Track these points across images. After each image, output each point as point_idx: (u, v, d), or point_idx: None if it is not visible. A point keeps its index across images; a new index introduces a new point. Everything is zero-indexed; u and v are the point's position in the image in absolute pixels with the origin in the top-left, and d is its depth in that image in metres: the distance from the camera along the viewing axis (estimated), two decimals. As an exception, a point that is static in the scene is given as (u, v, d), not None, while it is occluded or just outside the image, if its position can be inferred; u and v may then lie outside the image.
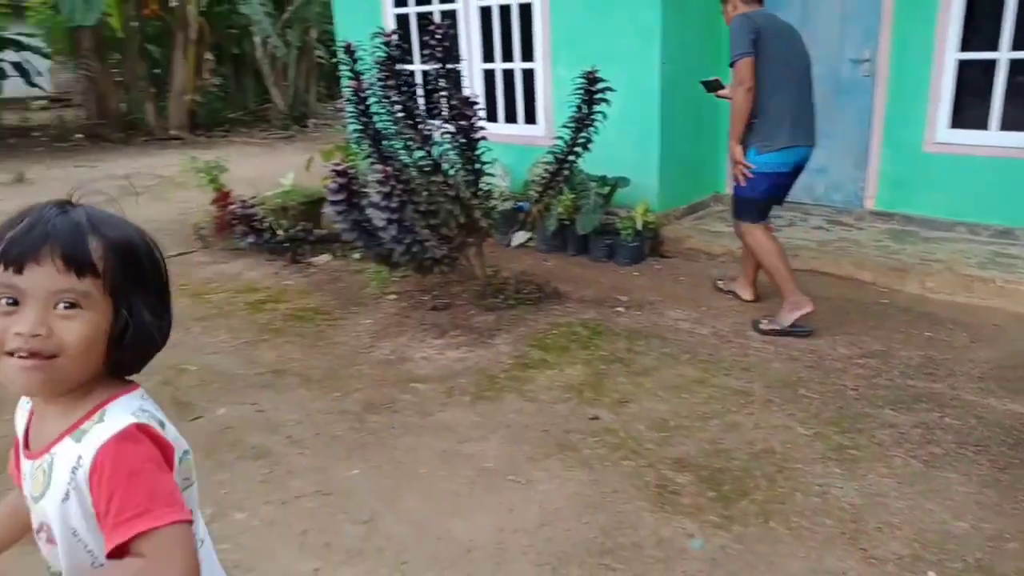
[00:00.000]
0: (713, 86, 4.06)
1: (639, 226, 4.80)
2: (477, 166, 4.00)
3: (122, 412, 0.89)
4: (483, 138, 3.95)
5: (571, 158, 4.11)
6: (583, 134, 4.05)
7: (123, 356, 0.91)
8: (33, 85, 14.48)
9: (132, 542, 0.81)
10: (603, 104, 3.96)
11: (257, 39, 13.98)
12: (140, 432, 0.87)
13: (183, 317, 4.03)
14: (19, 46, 14.11)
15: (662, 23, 4.85)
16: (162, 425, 0.92)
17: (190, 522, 0.85)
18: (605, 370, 3.29)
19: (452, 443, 2.72)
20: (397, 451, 2.68)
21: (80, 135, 12.96)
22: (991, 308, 3.86)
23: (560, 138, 4.09)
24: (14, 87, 14.48)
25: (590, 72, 3.94)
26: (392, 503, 2.38)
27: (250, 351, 3.59)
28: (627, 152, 5.11)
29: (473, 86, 6.00)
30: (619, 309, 4.03)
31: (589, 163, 4.54)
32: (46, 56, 15.95)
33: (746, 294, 4.10)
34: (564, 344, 3.58)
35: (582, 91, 3.97)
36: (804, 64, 3.65)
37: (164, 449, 0.89)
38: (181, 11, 12.97)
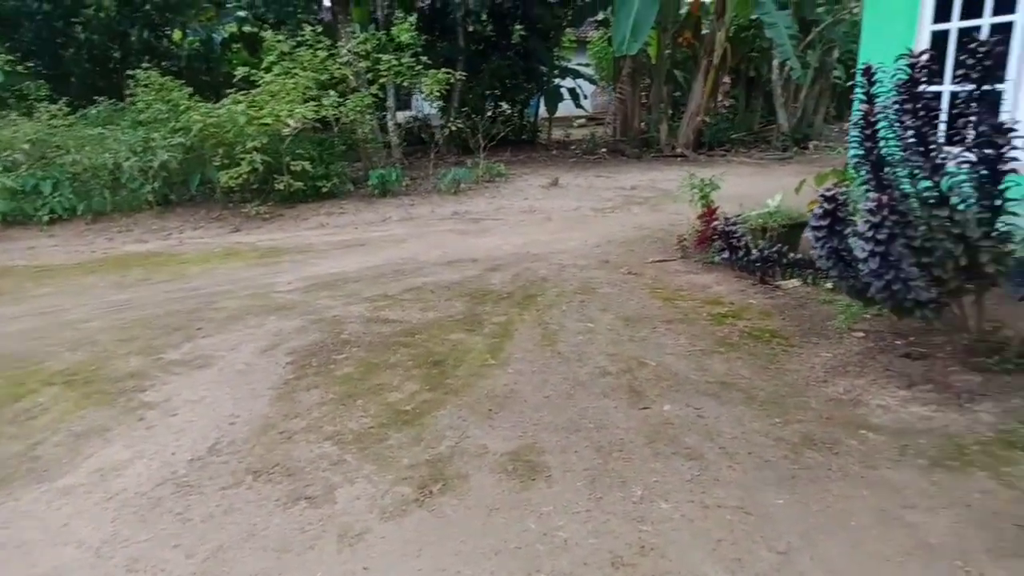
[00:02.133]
0: None
1: None
2: (997, 203, 3.45)
3: None
4: (1013, 170, 3.38)
5: None
6: None
7: None
8: (579, 106, 17.35)
9: None
10: None
11: (775, 62, 14.16)
12: None
13: (652, 318, 4.49)
14: (576, 74, 17.09)
15: None
16: None
17: None
18: None
19: (893, 505, 2.47)
20: (830, 495, 2.56)
21: (604, 150, 15.07)
22: None
23: None
24: (565, 108, 17.57)
25: None
26: (813, 544, 2.30)
27: (703, 359, 3.81)
28: None
29: (1018, 109, 5.11)
30: None
31: None
32: (593, 82, 18.99)
33: None
34: (1077, 433, 2.87)
35: None
36: None
37: None
38: (710, 37, 13.95)
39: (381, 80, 10.19)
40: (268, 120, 8.66)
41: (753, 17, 13.66)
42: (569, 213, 8.54)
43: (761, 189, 9.33)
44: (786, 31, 12.27)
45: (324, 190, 9.58)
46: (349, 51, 10.13)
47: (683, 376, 3.61)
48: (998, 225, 3.47)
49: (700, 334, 4.20)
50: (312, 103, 9.19)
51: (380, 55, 10.02)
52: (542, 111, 17.63)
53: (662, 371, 3.68)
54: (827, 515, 2.45)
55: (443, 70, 10.24)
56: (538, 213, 8.59)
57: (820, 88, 15.45)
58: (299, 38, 9.68)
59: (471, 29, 15.20)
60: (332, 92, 9.53)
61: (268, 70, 9.31)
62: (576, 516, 2.48)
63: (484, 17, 15.49)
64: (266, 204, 8.98)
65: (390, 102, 12.00)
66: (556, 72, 16.93)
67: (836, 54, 15.00)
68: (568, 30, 18.51)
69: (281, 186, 8.92)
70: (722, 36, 13.54)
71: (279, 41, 9.56)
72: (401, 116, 16.68)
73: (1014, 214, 3.57)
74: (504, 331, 4.32)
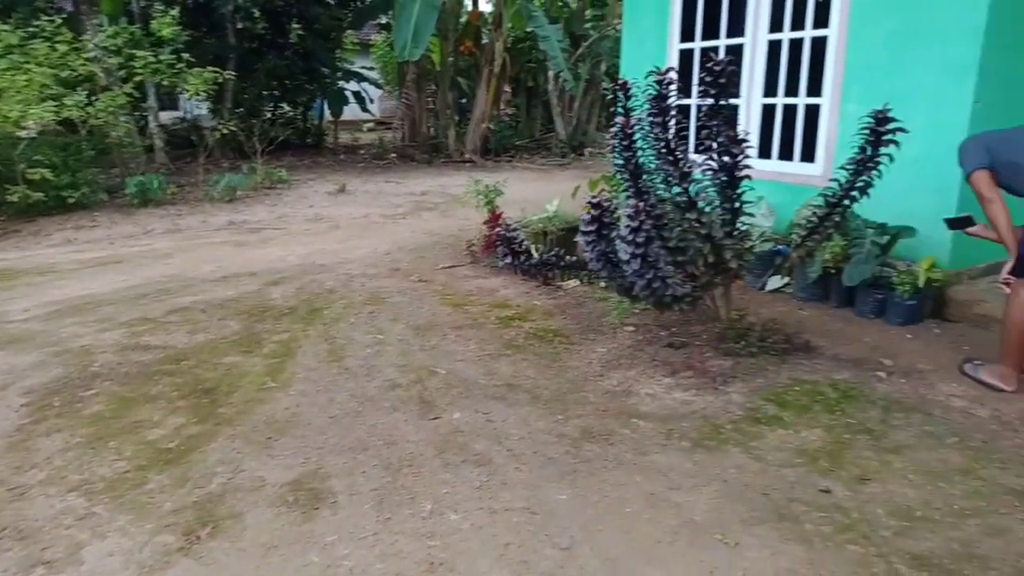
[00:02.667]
0: (962, 223, 3.62)
1: (920, 283, 4.24)
2: (736, 205, 3.88)
3: None
4: (746, 177, 3.82)
5: (845, 202, 3.79)
6: (863, 178, 3.72)
7: None
8: (365, 110, 17.06)
9: None
10: (891, 147, 3.60)
11: (551, 73, 14.94)
12: None
13: (443, 325, 4.48)
14: (360, 77, 16.77)
15: (980, 57, 4.25)
16: None
17: None
18: (849, 440, 2.97)
19: (662, 487, 2.67)
20: (607, 484, 2.70)
21: (394, 155, 14.96)
22: None
23: (835, 180, 3.80)
24: (352, 112, 17.20)
25: (880, 111, 3.61)
26: (593, 536, 2.40)
27: (491, 363, 3.87)
28: (918, 200, 4.56)
29: (750, 121, 5.81)
30: (879, 374, 3.61)
31: (868, 209, 4.15)
32: (378, 86, 18.74)
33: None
34: (805, 403, 3.30)
35: (868, 131, 3.65)
36: None
37: None
38: (490, 47, 14.38)
39: (137, 78, 9.21)
40: (-6, 122, 7.47)
41: (528, 30, 14.31)
42: (358, 220, 8.33)
43: (544, 193, 9.78)
44: (558, 44, 13.01)
45: (71, 201, 8.44)
46: (96, 45, 9.05)
47: (472, 382, 3.64)
48: (738, 225, 3.91)
49: (488, 338, 4.26)
50: (52, 103, 8.06)
51: (135, 51, 9.06)
52: (328, 115, 17.09)
53: (452, 379, 3.67)
54: (605, 505, 2.57)
55: (210, 68, 9.50)
56: (324, 221, 8.28)
57: (592, 99, 16.60)
58: (33, 29, 8.46)
59: (241, 26, 14.30)
60: (78, 91, 8.44)
61: (-7, 65, 8.03)
62: (363, 542, 2.37)
63: (257, 14, 14.66)
64: (-3, 219, 7.74)
65: (151, 102, 10.94)
66: (339, 74, 16.50)
67: (604, 67, 16.20)
68: (350, 32, 18.13)
69: (15, 198, 7.73)
70: (500, 46, 14.04)
71: (6, 31, 8.28)
72: (167, 117, 15.27)
73: (750, 215, 4.04)
74: (286, 350, 4.07)
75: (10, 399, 3.44)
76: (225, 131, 10.95)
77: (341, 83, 16.52)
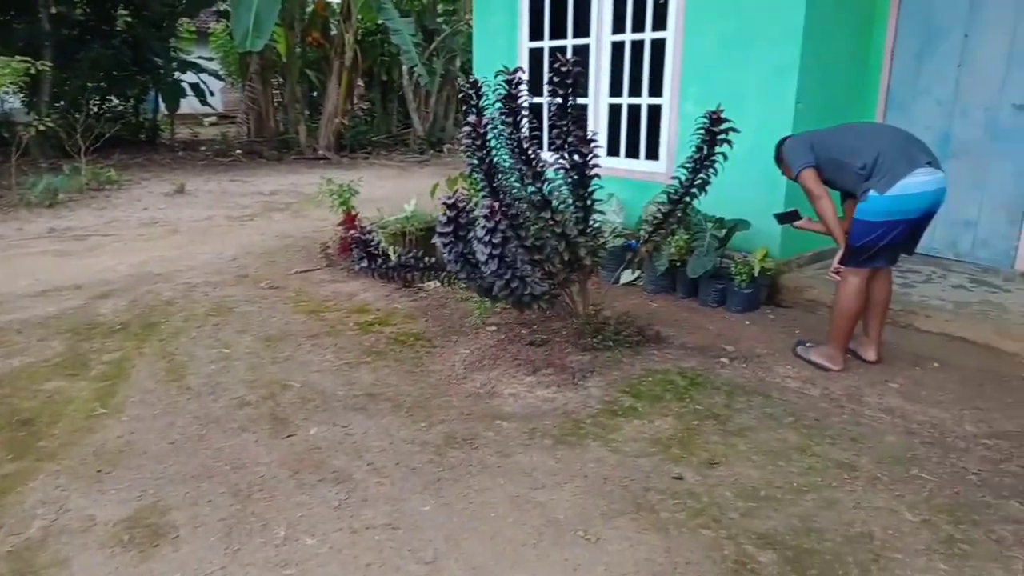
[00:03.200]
0: (790, 217, 3.94)
1: (755, 272, 4.56)
2: (588, 203, 3.97)
3: None
4: (596, 175, 3.92)
5: (687, 199, 3.99)
6: (701, 175, 3.92)
7: None
8: (206, 104, 15.99)
9: None
10: (725, 145, 3.82)
11: (405, 67, 14.71)
12: None
13: (297, 334, 4.27)
14: (198, 68, 15.68)
15: (801, 60, 4.61)
16: None
17: None
18: (697, 426, 3.13)
19: (526, 488, 2.67)
20: (471, 491, 2.67)
21: (239, 151, 14.16)
22: None
23: (676, 178, 3.99)
24: (191, 105, 16.08)
25: (714, 112, 3.81)
26: (457, 546, 2.36)
27: (350, 372, 3.73)
28: (750, 194, 4.89)
29: (598, 120, 6.00)
30: (723, 360, 3.84)
31: (709, 203, 4.38)
32: (219, 78, 17.62)
33: (869, 354, 3.78)
34: (658, 393, 3.44)
35: (703, 131, 3.85)
36: (890, 127, 3.75)
37: None
38: (339, 39, 13.92)
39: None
40: None
41: (379, 22, 14.00)
42: (200, 223, 7.78)
43: (403, 191, 9.63)
44: (410, 38, 12.83)
45: None
46: None
47: (330, 393, 3.48)
48: (591, 222, 4.01)
49: (347, 345, 4.11)
50: None
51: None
52: (164, 108, 15.87)
53: (308, 391, 3.50)
54: (470, 512, 2.54)
55: (20, 58, 8.50)
56: (162, 225, 7.66)
57: (448, 94, 16.54)
58: None
59: (55, 11, 12.93)
60: None
61: None
62: (210, 579, 2.19)
63: (76, -2, 13.33)
64: None
65: (-52, 95, 9.62)
66: (174, 65, 15.35)
67: (459, 62, 16.19)
68: (184, 20, 16.93)
69: None
70: (351, 38, 13.64)
71: None
72: (-30, 111, 13.60)
73: (602, 212, 4.15)
74: (118, 371, 3.71)
75: None
76: (42, 127, 9.85)
77: (177, 74, 15.38)
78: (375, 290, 5.16)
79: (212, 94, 16.69)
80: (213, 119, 20.17)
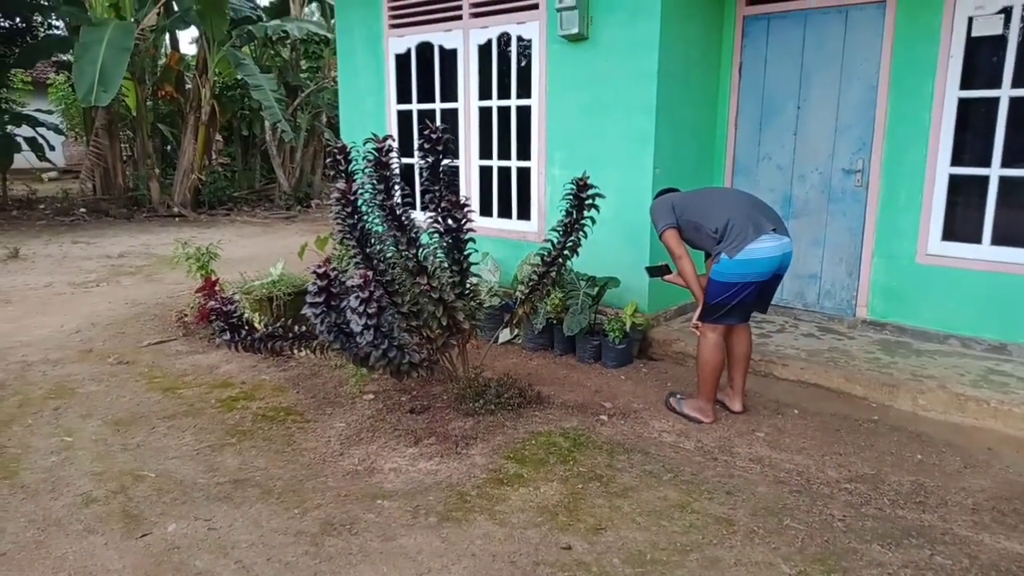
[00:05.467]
0: (660, 271, 4.16)
1: (627, 327, 4.71)
2: (464, 266, 3.96)
3: None
4: (471, 239, 3.93)
5: (560, 260, 4.08)
6: (572, 238, 4.03)
7: None
8: (44, 159, 14.73)
9: None
10: (592, 210, 3.96)
11: (267, 123, 14.32)
12: None
13: (150, 415, 3.91)
14: (35, 122, 14.47)
15: (655, 130, 4.90)
16: None
17: None
18: (582, 489, 3.12)
19: (411, 574, 2.54)
20: (353, 581, 2.50)
21: (83, 210, 13.11)
22: (984, 429, 3.73)
23: (549, 240, 4.07)
24: (27, 160, 14.76)
25: (580, 179, 3.95)
26: (340, 646, 2.19)
27: (213, 456, 3.44)
28: (618, 252, 5.09)
29: (470, 181, 6.06)
30: (602, 417, 3.89)
31: (580, 262, 4.50)
32: (59, 131, 16.34)
33: (735, 405, 3.97)
34: (542, 457, 3.42)
35: (572, 196, 3.97)
36: (742, 193, 4.00)
37: None
38: (195, 93, 13.35)
39: None
40: None
41: (239, 77, 13.59)
42: (37, 292, 7.05)
43: (269, 250, 9.26)
44: (272, 94, 12.53)
45: None
46: None
47: (190, 482, 3.19)
48: (467, 284, 4.00)
49: (208, 426, 3.80)
50: None
51: None
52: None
53: (164, 482, 3.18)
54: (354, 607, 2.37)
55: None
56: (-11, 295, 6.87)
57: (315, 149, 16.23)
58: None
59: None
60: None
61: None
62: None
63: None
64: None
65: None
66: (7, 118, 14.09)
67: (324, 118, 15.98)
68: (17, 70, 15.67)
69: None
70: (208, 92, 13.13)
71: None
72: None
73: (477, 275, 4.16)
74: (-69, 472, 3.21)
75: None
76: None
77: (10, 127, 14.10)
78: (239, 360, 4.85)
79: (52, 148, 15.40)
80: (54, 174, 18.62)
